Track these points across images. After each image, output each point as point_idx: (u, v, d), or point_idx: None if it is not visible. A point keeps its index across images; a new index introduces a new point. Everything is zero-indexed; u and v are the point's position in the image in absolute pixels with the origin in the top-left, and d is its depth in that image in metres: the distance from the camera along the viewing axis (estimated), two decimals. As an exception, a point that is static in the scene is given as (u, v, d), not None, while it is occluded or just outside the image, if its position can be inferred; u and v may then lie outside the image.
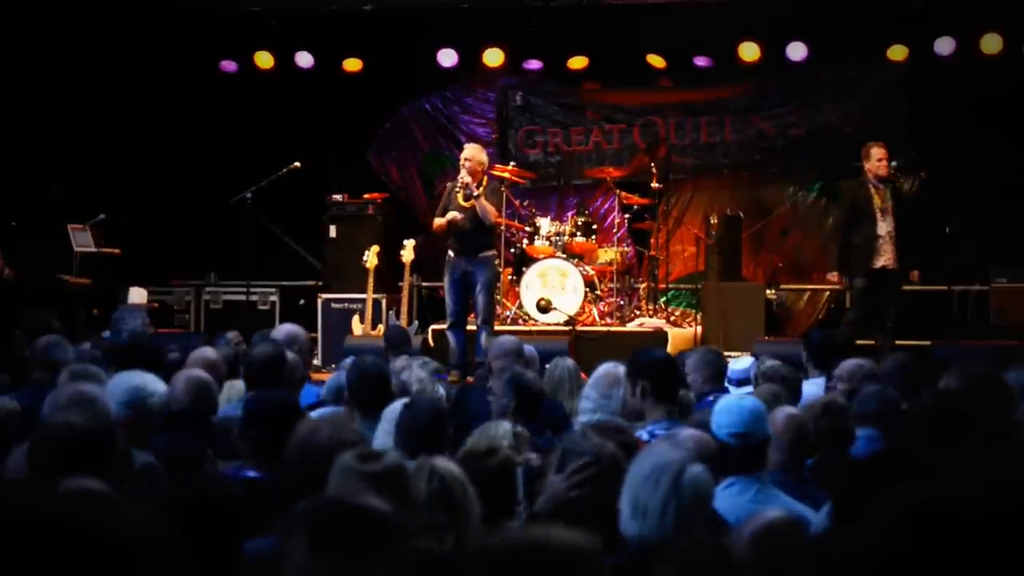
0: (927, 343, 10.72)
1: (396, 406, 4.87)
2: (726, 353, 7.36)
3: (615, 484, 3.43)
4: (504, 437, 4.35)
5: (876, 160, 10.45)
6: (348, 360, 6.72)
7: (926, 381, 6.04)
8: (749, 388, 6.51)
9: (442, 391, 6.16)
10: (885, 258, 10.42)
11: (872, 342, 10.30)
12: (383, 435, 4.82)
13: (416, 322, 11.67)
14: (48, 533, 1.50)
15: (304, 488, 3.45)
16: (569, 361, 6.36)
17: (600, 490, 3.52)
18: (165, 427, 5.29)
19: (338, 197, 12.94)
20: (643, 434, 4.86)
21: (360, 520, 2.31)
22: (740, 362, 7.13)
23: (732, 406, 4.40)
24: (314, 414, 4.84)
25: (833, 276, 10.68)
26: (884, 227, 10.42)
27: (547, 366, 6.45)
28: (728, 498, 4.08)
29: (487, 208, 10.30)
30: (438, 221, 10.47)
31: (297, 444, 3.89)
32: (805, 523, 3.95)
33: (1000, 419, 4.38)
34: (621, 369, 5.34)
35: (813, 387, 6.47)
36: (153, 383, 4.99)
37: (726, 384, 6.86)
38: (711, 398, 6.22)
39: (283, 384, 6.05)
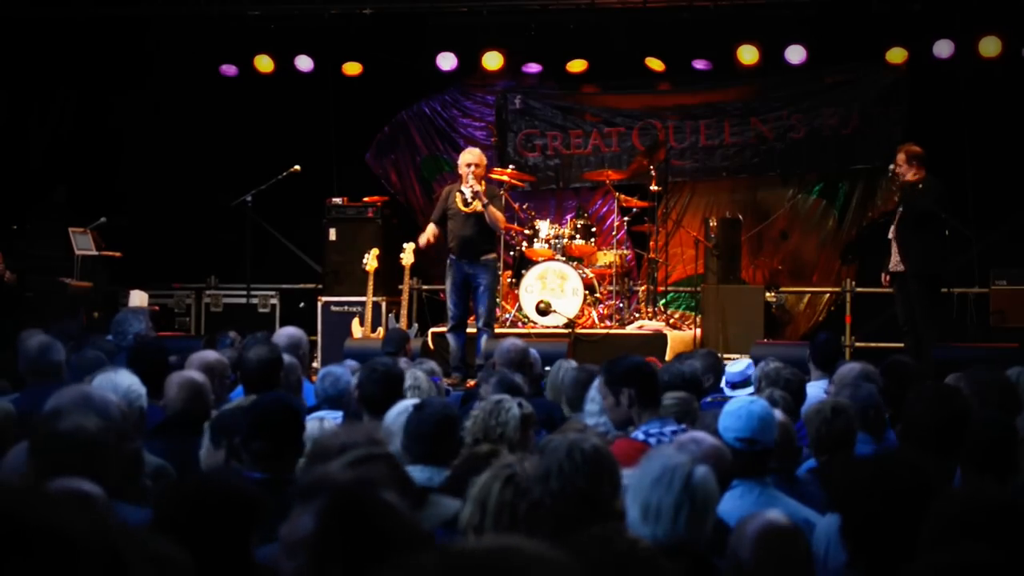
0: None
1: (394, 412, 4.86)
2: (724, 356, 7.38)
3: (597, 482, 3.45)
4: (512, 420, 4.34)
5: (896, 164, 10.30)
6: (335, 365, 6.65)
7: (923, 382, 6.05)
8: (747, 390, 6.52)
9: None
10: (893, 260, 10.33)
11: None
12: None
13: (416, 325, 11.68)
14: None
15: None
16: (572, 363, 6.37)
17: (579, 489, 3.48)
18: (159, 430, 5.24)
19: (338, 200, 12.95)
20: (639, 435, 4.88)
21: (375, 516, 2.30)
22: (737, 364, 7.14)
23: (741, 411, 4.39)
24: (319, 418, 4.82)
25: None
26: (891, 229, 10.35)
27: (547, 368, 6.46)
28: (730, 500, 4.08)
29: (496, 216, 10.38)
30: (424, 236, 10.58)
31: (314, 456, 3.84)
32: (808, 525, 3.98)
33: (1003, 422, 4.38)
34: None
35: (815, 389, 6.48)
36: (138, 385, 4.94)
37: (723, 387, 6.88)
38: (708, 399, 6.25)
39: (280, 387, 6.02)
